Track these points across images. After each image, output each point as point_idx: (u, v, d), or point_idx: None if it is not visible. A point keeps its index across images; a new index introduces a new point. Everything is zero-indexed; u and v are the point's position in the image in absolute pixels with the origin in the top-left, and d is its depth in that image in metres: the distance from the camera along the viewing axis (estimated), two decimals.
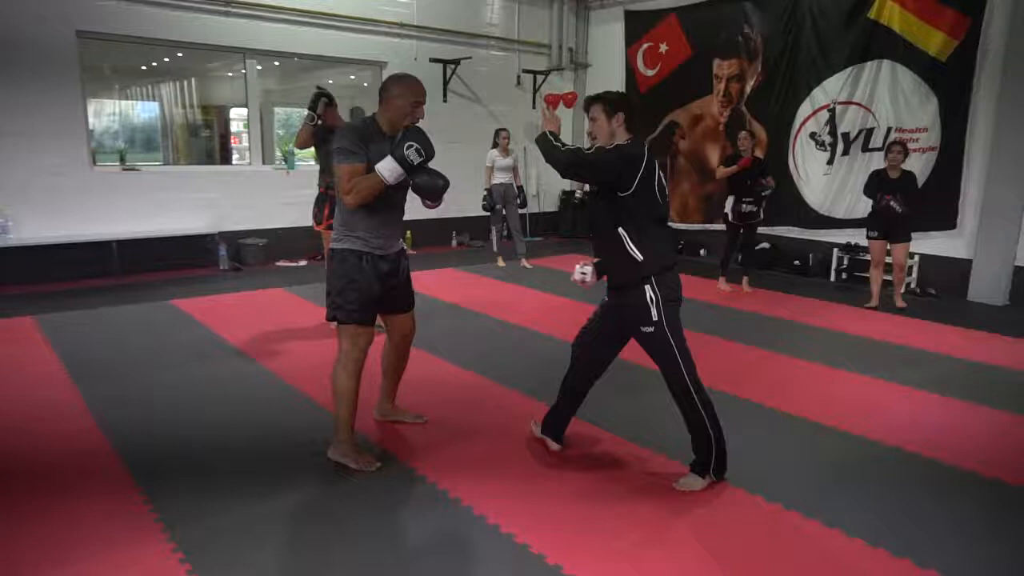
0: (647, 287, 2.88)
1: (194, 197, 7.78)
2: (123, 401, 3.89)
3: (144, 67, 11.57)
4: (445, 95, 9.48)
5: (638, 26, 9.91)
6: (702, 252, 9.52)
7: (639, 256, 2.88)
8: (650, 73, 9.86)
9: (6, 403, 3.86)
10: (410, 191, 3.20)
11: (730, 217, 7.15)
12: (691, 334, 2.99)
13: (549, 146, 3.02)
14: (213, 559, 2.47)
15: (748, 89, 8.81)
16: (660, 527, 2.74)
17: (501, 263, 8.27)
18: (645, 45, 9.83)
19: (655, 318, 2.87)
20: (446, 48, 9.32)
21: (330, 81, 12.60)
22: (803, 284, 7.76)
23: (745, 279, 7.31)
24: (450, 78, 9.35)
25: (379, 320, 3.35)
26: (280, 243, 8.21)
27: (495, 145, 8.05)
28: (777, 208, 7.00)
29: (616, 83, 10.31)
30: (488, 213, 8.17)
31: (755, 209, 7.03)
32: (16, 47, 6.49)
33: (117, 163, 8.47)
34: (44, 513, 2.75)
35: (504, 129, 8.11)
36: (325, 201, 5.27)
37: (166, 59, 10.70)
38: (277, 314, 5.86)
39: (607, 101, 3.01)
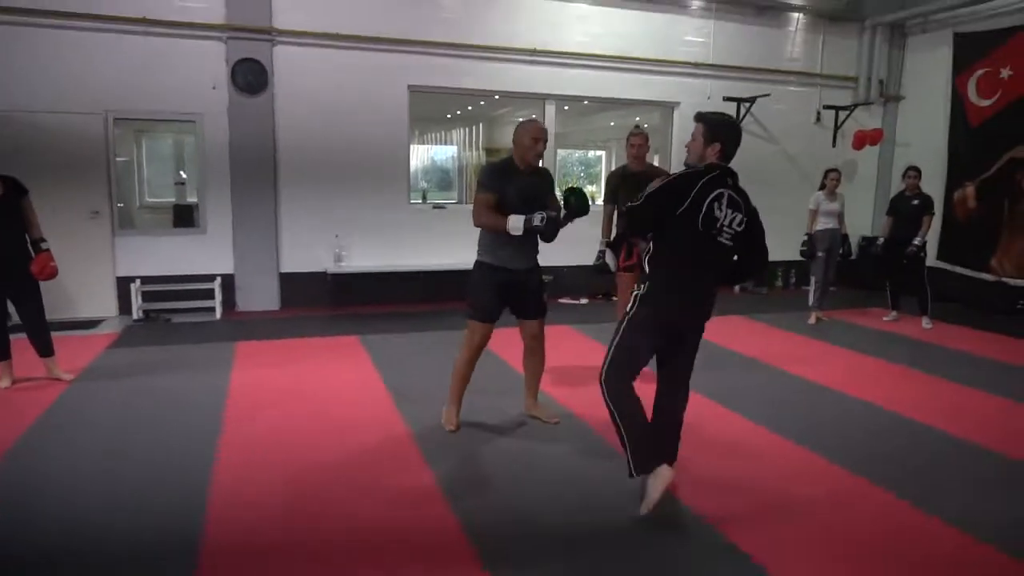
0: (643, 285, 3.08)
1: None
2: (432, 418, 4.16)
3: (448, 115, 12.91)
4: None
5: (972, 50, 8.61)
6: None
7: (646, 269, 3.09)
8: (985, 103, 8.48)
9: (337, 411, 4.36)
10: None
11: None
12: None
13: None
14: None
15: None
16: None
17: (812, 320, 7.43)
18: (980, 71, 8.49)
19: (628, 308, 3.12)
20: (741, 85, 8.94)
21: (611, 123, 12.89)
22: None
23: None
24: (743, 116, 8.94)
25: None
26: (563, 280, 8.38)
27: (822, 187, 7.31)
28: None
29: (936, 116, 9.04)
30: (807, 260, 7.45)
31: None
32: (358, 101, 7.53)
33: (420, 200, 9.47)
34: (356, 497, 2.99)
35: (834, 169, 7.33)
36: (623, 243, 5.23)
37: (469, 107, 11.78)
38: (560, 349, 5.91)
39: (709, 125, 3.08)
